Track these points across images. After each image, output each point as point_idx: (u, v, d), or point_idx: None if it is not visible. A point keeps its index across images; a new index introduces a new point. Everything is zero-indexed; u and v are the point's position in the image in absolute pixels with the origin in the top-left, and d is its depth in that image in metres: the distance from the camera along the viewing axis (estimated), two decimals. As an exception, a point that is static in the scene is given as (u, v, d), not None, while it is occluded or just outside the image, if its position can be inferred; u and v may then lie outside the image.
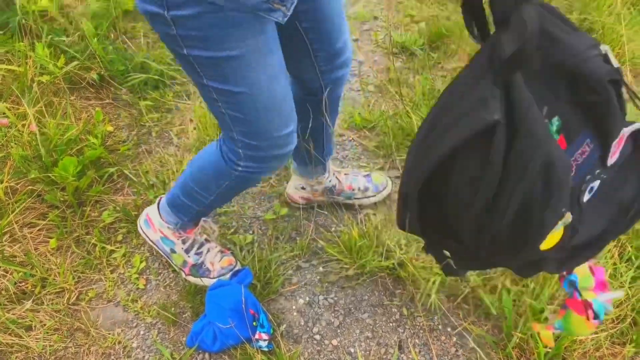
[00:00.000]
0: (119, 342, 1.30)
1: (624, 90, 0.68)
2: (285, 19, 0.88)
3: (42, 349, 1.27)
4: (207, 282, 1.37)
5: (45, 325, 1.32)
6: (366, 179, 1.58)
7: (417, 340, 1.28)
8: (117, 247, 1.50)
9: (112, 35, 2.10)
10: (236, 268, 1.37)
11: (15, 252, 1.45)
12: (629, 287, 1.28)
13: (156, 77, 1.98)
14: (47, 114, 1.73)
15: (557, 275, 1.20)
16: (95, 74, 1.92)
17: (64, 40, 1.95)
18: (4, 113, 1.68)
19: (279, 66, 0.95)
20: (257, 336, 1.24)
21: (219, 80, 0.91)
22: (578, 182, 0.71)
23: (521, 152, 0.62)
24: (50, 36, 1.91)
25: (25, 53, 1.81)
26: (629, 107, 0.70)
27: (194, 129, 1.82)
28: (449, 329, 1.30)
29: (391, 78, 2.03)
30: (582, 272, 0.85)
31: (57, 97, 1.85)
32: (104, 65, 1.95)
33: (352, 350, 1.26)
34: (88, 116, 1.84)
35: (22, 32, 1.92)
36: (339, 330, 1.30)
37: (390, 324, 1.31)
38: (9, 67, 1.79)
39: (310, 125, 1.27)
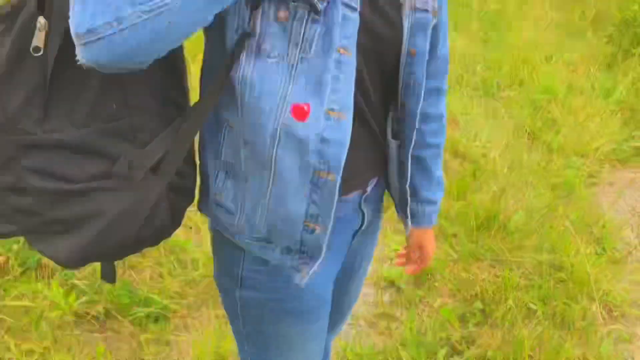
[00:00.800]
0: None
1: None
2: None
3: None
4: None
5: None
6: None
7: None
8: None
9: (120, 270, 2.26)
10: None
11: None
12: None
13: (158, 309, 2.09)
14: (52, 350, 1.80)
15: None
16: (101, 308, 2.04)
17: (75, 275, 2.10)
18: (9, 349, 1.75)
19: (322, 334, 1.07)
20: None
21: (259, 346, 1.03)
22: None
23: None
24: (64, 272, 2.07)
25: (41, 292, 1.95)
26: None
27: (192, 364, 1.88)
28: None
29: (380, 312, 2.15)
30: None
31: (62, 331, 1.94)
32: (110, 298, 2.07)
33: None
34: (90, 350, 1.91)
35: (38, 270, 2.08)
36: None
37: None
38: (23, 303, 1.92)
39: None
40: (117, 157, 0.80)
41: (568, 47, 4.71)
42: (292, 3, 0.79)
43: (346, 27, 0.84)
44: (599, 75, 4.27)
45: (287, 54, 0.81)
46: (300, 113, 0.83)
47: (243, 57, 0.81)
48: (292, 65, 0.82)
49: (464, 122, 3.61)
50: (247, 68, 0.81)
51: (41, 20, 0.75)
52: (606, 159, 3.43)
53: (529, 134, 3.56)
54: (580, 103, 3.78)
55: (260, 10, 0.79)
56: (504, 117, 3.68)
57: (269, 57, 0.81)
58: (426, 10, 0.92)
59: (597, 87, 4.06)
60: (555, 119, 3.65)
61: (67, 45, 0.72)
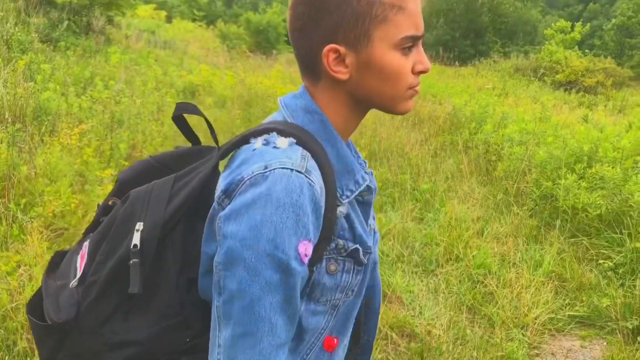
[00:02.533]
0: None
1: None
2: None
3: None
4: None
5: None
6: None
7: None
8: None
9: None
10: None
11: None
12: None
13: None
14: None
15: None
16: None
17: None
18: None
19: None
20: None
21: None
22: None
23: None
24: None
25: None
26: None
27: None
28: None
29: None
30: None
31: None
32: None
33: None
34: None
35: None
36: None
37: None
38: None
39: None
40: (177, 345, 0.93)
41: (496, 221, 5.11)
42: (340, 258, 0.94)
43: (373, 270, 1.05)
44: (527, 247, 4.61)
45: (334, 299, 0.96)
46: (329, 345, 0.99)
47: None
48: (336, 307, 0.97)
49: (408, 300, 3.76)
50: None
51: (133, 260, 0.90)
52: (545, 329, 3.59)
53: (469, 308, 3.72)
54: (514, 275, 4.03)
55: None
56: (444, 292, 3.85)
57: (317, 301, 0.94)
58: (377, 231, 1.13)
59: (526, 258, 4.36)
60: (493, 292, 3.85)
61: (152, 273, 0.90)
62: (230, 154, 0.96)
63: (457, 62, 21.48)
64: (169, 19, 28.08)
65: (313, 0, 0.90)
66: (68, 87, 6.56)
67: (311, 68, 0.96)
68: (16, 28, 8.62)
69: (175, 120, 1.04)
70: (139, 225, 0.90)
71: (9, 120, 4.82)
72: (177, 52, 14.80)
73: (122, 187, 1.02)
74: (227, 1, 44.53)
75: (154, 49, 13.56)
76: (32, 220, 3.45)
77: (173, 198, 0.92)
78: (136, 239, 0.89)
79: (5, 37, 8.03)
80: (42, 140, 4.80)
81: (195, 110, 1.01)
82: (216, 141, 0.99)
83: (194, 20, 30.33)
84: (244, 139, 0.93)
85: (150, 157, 1.06)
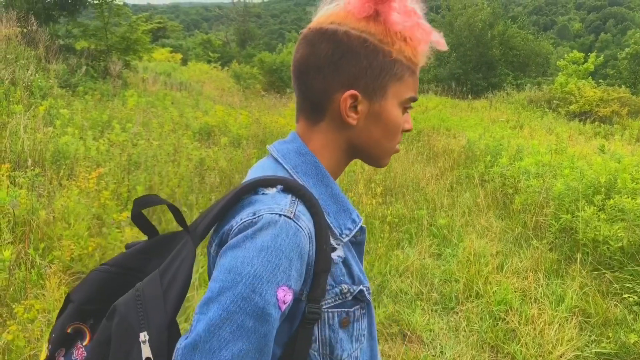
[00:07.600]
0: None
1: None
2: None
3: None
4: None
5: None
6: None
7: None
8: None
9: None
10: None
11: None
12: None
13: None
14: None
15: None
16: None
17: None
18: None
19: None
20: None
21: None
22: None
23: None
24: None
25: None
26: None
27: None
28: None
29: None
30: None
31: None
32: None
33: None
34: None
35: None
36: None
37: None
38: None
39: None
40: None
41: (516, 256, 5.03)
42: (348, 307, 0.94)
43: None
44: (548, 282, 4.51)
45: (352, 351, 0.96)
46: None
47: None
48: (356, 357, 0.98)
49: (429, 339, 3.69)
50: None
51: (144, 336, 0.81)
52: (571, 367, 3.49)
53: (492, 346, 3.63)
54: (536, 311, 3.94)
55: (323, 322, 0.91)
56: (465, 330, 3.77)
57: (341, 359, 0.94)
58: None
59: (548, 293, 4.27)
60: (515, 329, 3.76)
61: None
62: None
63: (470, 96, 21.56)
64: (184, 62, 28.72)
65: (340, 42, 0.94)
66: (86, 131, 6.68)
67: (318, 107, 0.98)
68: (36, 75, 8.85)
69: (134, 219, 0.96)
70: (143, 336, 0.80)
71: (29, 165, 4.91)
72: (192, 94, 15.05)
73: (83, 308, 0.93)
74: (241, 42, 45.41)
75: (170, 91, 13.82)
76: (51, 265, 3.46)
77: (167, 295, 0.85)
78: (146, 351, 0.80)
79: (26, 84, 8.24)
80: (61, 184, 4.87)
81: (157, 200, 0.96)
82: (184, 226, 0.94)
83: (209, 62, 30.96)
84: (227, 207, 0.91)
85: (101, 265, 0.97)
